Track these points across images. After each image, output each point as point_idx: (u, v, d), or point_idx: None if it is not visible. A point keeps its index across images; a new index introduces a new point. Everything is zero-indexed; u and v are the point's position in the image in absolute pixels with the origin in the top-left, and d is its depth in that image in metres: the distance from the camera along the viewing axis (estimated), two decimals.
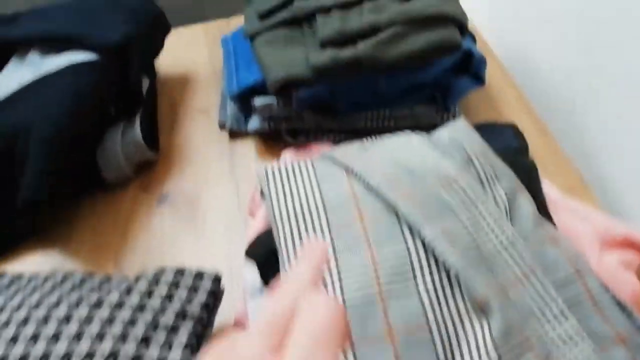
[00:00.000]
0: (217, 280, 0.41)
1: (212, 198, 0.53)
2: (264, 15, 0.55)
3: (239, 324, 0.41)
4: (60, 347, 0.33)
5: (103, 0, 0.60)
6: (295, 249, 0.34)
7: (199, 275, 0.41)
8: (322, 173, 0.38)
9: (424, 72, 0.51)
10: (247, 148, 0.58)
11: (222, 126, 0.60)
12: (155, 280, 0.39)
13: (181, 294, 0.38)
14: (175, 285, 0.39)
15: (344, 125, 0.53)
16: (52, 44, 0.55)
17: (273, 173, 0.39)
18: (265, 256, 0.38)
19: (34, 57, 0.55)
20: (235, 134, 0.59)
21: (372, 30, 0.49)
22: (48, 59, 0.54)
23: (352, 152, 0.39)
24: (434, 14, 0.49)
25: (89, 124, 0.49)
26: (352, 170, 0.37)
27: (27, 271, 0.43)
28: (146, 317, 0.36)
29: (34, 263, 0.50)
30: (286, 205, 0.37)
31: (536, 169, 0.40)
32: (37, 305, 0.37)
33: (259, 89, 0.56)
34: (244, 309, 0.41)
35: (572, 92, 0.58)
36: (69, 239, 0.51)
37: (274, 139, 0.57)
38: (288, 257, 0.35)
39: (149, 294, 0.38)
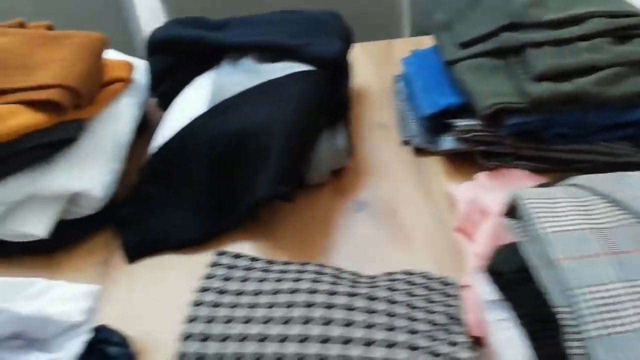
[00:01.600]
0: (458, 288, 0.44)
1: (409, 211, 0.56)
2: (466, 45, 0.59)
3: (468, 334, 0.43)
4: (358, 333, 0.36)
5: (305, 16, 0.64)
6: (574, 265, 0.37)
7: (444, 282, 0.43)
8: (582, 198, 0.41)
9: (631, 112, 0.53)
10: (435, 166, 0.61)
11: (405, 142, 0.64)
12: (408, 281, 0.42)
13: (437, 297, 0.41)
14: (427, 287, 0.42)
15: (543, 154, 0.56)
16: (268, 53, 0.59)
17: (529, 195, 0.42)
18: (513, 271, 0.41)
19: (248, 63, 0.59)
20: (420, 151, 0.63)
21: (591, 68, 0.52)
22: (265, 67, 0.58)
23: (604, 182, 0.42)
24: None
25: (314, 129, 0.53)
26: (616, 198, 0.40)
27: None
28: (420, 315, 0.39)
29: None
30: (553, 225, 0.39)
31: None
32: (313, 291, 0.40)
33: (452, 110, 0.59)
34: (475, 320, 0.44)
35: None
36: (272, 234, 0.55)
37: (461, 159, 0.61)
38: (568, 274, 0.37)
39: (410, 293, 0.41)
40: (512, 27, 0.57)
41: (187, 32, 0.61)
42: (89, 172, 0.53)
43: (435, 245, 0.53)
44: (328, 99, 0.55)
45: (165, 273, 0.52)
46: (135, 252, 0.53)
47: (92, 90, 0.55)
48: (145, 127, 0.68)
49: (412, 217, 0.56)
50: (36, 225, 0.51)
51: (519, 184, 0.56)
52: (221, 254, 0.45)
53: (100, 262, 0.54)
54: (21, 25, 0.58)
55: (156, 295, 0.50)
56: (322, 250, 0.53)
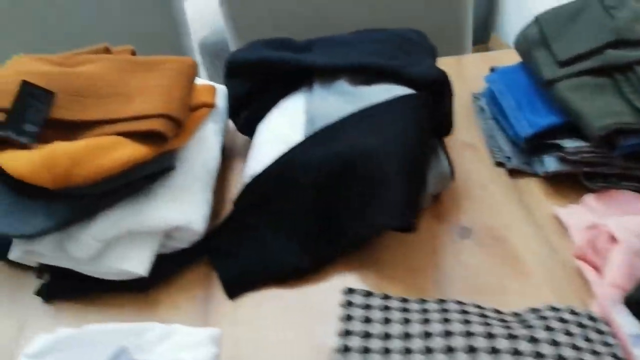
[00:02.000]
0: (606, 323, 0.41)
1: (517, 237, 0.54)
2: (567, 62, 0.57)
3: None
4: None
5: (390, 35, 0.62)
6: None
7: (591, 317, 0.41)
8: None
9: None
10: (534, 188, 0.59)
11: (499, 164, 0.61)
12: (560, 318, 0.40)
13: (593, 335, 0.39)
14: (580, 325, 0.39)
15: None
16: (362, 75, 0.57)
17: None
18: None
19: (342, 86, 0.57)
20: (515, 172, 0.61)
21: None
22: (361, 90, 0.56)
23: None
24: None
25: (427, 153, 0.51)
26: None
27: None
28: (588, 358, 0.36)
29: (348, 284, 0.51)
30: None
31: None
32: (470, 334, 0.37)
33: (551, 131, 0.57)
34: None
35: None
36: (378, 263, 0.52)
37: (561, 180, 0.58)
38: None
39: (568, 332, 0.38)
40: (617, 43, 0.55)
41: (273, 53, 0.59)
42: (188, 204, 0.51)
43: (550, 273, 0.50)
44: (433, 121, 0.53)
45: (271, 308, 0.49)
46: (235, 287, 0.51)
47: (186, 117, 0.53)
48: (225, 153, 0.66)
49: (521, 244, 0.53)
50: (136, 263, 0.48)
51: (632, 207, 0.54)
52: (351, 291, 0.43)
53: (200, 298, 0.51)
54: (107, 51, 0.56)
55: (265, 333, 0.47)
56: (433, 280, 0.51)
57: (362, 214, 0.48)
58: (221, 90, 0.64)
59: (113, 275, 0.49)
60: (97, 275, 0.49)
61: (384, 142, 0.49)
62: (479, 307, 0.42)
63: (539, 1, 1.56)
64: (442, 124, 0.54)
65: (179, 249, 0.52)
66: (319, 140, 0.51)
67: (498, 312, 0.42)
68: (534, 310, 0.41)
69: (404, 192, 0.46)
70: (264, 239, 0.52)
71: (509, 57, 0.76)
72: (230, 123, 0.66)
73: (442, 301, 0.42)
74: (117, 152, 0.46)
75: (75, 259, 0.48)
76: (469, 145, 0.65)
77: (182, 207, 0.50)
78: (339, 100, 0.55)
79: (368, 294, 0.43)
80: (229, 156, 0.66)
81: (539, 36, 0.60)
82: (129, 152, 0.46)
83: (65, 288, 0.51)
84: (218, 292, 0.51)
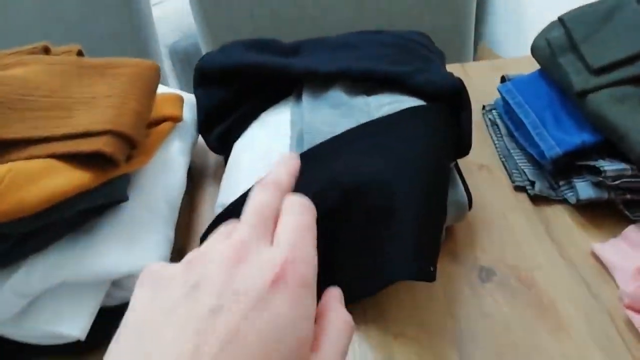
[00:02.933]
0: None
1: (548, 280, 0.44)
2: (602, 70, 0.48)
3: None
4: None
5: (392, 37, 0.53)
6: None
7: None
8: None
9: None
10: (562, 217, 0.50)
11: (519, 189, 0.52)
12: None
13: None
14: None
15: None
16: (360, 83, 0.47)
17: None
18: None
19: (336, 95, 0.47)
20: (539, 198, 0.51)
21: None
22: (360, 100, 0.46)
23: None
24: None
25: (446, 181, 0.41)
26: None
27: None
28: None
29: None
30: None
31: None
32: None
33: (583, 151, 0.49)
34: None
35: None
36: (383, 317, 0.42)
37: (595, 209, 0.49)
38: None
39: None
40: None
41: (253, 56, 0.49)
42: (142, 245, 0.40)
43: (594, 327, 0.41)
44: (451, 140, 0.43)
45: None
46: None
47: (142, 135, 0.42)
48: (193, 177, 0.55)
49: (554, 288, 0.44)
50: (71, 323, 0.37)
51: None
52: None
53: None
54: (46, 51, 0.45)
55: None
56: (451, 338, 0.41)
57: (367, 264, 0.38)
58: (189, 101, 0.54)
59: (41, 339, 0.38)
60: (20, 339, 0.38)
61: (394, 166, 0.39)
62: None
63: (529, 8, 1.50)
64: (459, 142, 0.45)
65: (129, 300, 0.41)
66: (311, 163, 0.41)
67: None
68: None
69: (421, 233, 0.36)
70: None
71: (518, 65, 0.67)
72: (201, 140, 0.55)
73: None
74: (48, 181, 0.35)
75: None
76: (482, 166, 0.56)
77: (136, 249, 0.39)
78: (334, 114, 0.45)
79: None
80: (198, 181, 0.56)
81: (565, 40, 0.51)
82: (65, 180, 0.35)
83: None
84: None
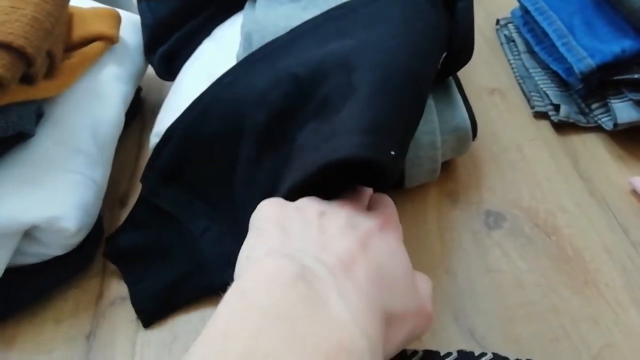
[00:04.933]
0: None
1: (574, 225, 0.35)
2: None
3: None
4: None
5: None
6: None
7: None
8: None
9: None
10: (594, 148, 0.40)
11: (540, 115, 0.42)
12: None
13: None
14: None
15: None
16: None
17: None
18: None
19: None
20: (564, 126, 0.41)
21: None
22: None
23: None
24: None
25: (428, 70, 0.31)
26: None
27: None
28: None
29: None
30: None
31: None
32: None
33: (622, 63, 0.38)
34: None
35: None
36: None
37: (628, 136, 0.39)
38: None
39: None
40: None
41: None
42: (52, 190, 0.32)
43: (632, 281, 0.32)
44: (442, 32, 0.33)
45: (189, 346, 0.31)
46: (151, 310, 0.32)
47: (54, 53, 0.33)
48: (138, 111, 0.46)
49: (583, 235, 0.34)
50: None
51: None
52: None
53: (80, 335, 0.32)
54: None
55: None
56: (447, 299, 0.32)
57: (317, 146, 0.28)
58: (134, 21, 0.44)
59: None
60: None
61: (353, 47, 0.29)
62: None
63: None
64: (456, 46, 0.34)
65: (50, 257, 0.33)
66: (259, 61, 0.32)
67: None
68: None
69: (376, 110, 0.26)
70: (186, 234, 0.34)
71: None
72: (150, 70, 0.46)
73: (467, 356, 0.23)
74: None
75: None
76: (494, 90, 0.45)
77: (42, 194, 0.31)
78: (294, 8, 0.35)
79: None
80: (151, 115, 0.47)
81: None
82: None
83: None
84: (112, 323, 0.33)
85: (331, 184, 0.27)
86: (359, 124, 0.25)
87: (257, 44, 0.33)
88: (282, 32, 0.33)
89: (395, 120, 0.26)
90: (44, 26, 0.32)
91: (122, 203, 0.40)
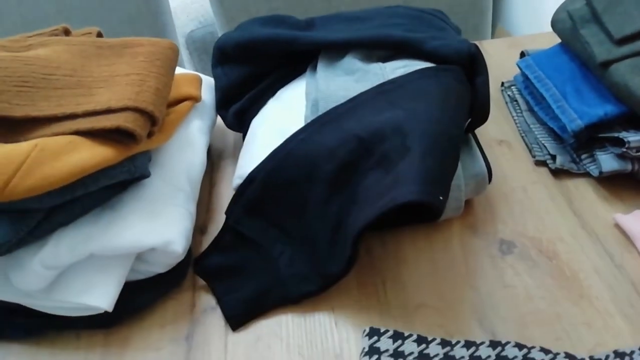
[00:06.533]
0: None
1: (571, 252, 0.44)
2: (624, 40, 0.47)
3: None
4: None
5: (406, 10, 0.52)
6: None
7: None
8: None
9: None
10: (584, 190, 0.49)
11: (540, 163, 0.52)
12: None
13: None
14: None
15: None
16: (375, 51, 0.47)
17: None
18: None
19: (351, 63, 0.47)
20: (560, 172, 0.51)
21: None
22: (375, 66, 0.46)
23: None
24: None
25: (458, 134, 0.40)
26: None
27: None
28: None
29: (364, 319, 0.41)
30: None
31: None
32: None
33: (605, 123, 0.48)
34: None
35: None
36: (400, 285, 0.42)
37: (617, 182, 0.49)
38: None
39: None
40: None
41: (268, 31, 0.49)
42: (165, 220, 0.41)
43: (618, 297, 0.41)
44: (467, 101, 0.43)
45: (272, 348, 0.39)
46: (239, 317, 0.41)
47: (163, 112, 0.43)
48: (208, 155, 0.56)
49: (577, 259, 0.43)
50: (98, 295, 0.38)
51: None
52: (374, 333, 0.33)
53: (181, 337, 0.41)
54: (66, 33, 0.46)
55: None
56: (471, 310, 0.41)
57: (380, 194, 0.37)
58: (208, 83, 0.54)
59: (70, 311, 0.39)
60: (49, 311, 0.39)
61: (407, 116, 0.39)
62: (545, 350, 0.32)
63: None
64: (475, 110, 0.44)
65: (155, 274, 0.42)
66: (324, 124, 0.41)
67: (571, 357, 0.32)
68: (620, 355, 0.31)
69: (430, 165, 0.35)
70: (266, 256, 0.42)
71: (534, 43, 0.66)
72: (219, 123, 0.56)
73: (497, 344, 0.32)
74: (72, 156, 0.36)
75: (22, 292, 0.38)
76: (502, 141, 0.55)
77: (158, 223, 0.40)
78: (349, 80, 0.45)
79: (398, 336, 0.33)
80: (217, 161, 0.56)
81: (586, 11, 0.50)
82: (88, 155, 0.36)
83: (13, 326, 0.41)
84: (206, 327, 0.41)
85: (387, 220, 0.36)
86: (417, 177, 0.34)
87: (322, 109, 0.43)
88: (341, 100, 0.43)
89: (442, 172, 0.35)
90: (162, 94, 0.41)
91: (202, 231, 0.49)
